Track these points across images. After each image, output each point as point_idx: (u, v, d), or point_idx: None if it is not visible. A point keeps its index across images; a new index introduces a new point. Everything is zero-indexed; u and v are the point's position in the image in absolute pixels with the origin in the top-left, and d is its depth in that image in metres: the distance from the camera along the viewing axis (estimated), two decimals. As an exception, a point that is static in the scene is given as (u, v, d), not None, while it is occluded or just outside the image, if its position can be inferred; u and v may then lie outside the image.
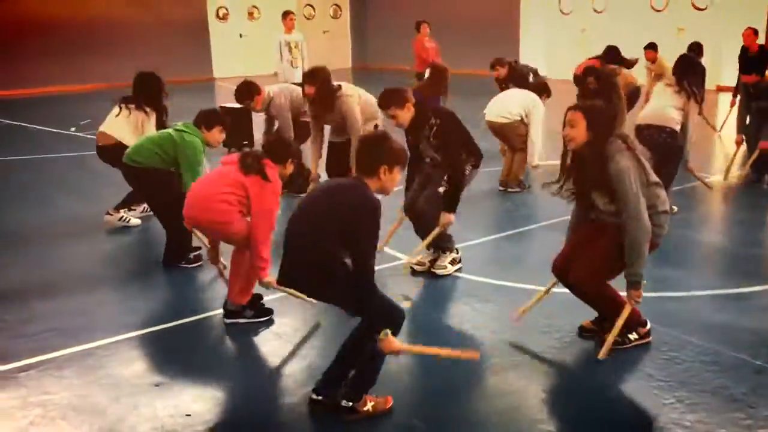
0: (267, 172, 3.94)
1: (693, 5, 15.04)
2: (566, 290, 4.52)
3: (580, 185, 3.78)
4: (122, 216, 6.35)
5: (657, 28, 14.83)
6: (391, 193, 3.22)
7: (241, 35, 21.17)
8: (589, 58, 8.83)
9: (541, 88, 7.43)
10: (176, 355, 3.96)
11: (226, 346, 4.10)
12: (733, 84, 9.46)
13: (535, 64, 11.90)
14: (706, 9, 14.84)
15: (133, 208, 6.53)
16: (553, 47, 17.61)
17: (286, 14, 10.73)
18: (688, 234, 5.70)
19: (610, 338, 3.66)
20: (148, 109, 5.93)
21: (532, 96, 7.13)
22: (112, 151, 5.86)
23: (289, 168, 4.10)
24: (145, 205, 6.55)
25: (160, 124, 5.97)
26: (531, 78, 8.30)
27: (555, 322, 4.10)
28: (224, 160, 4.17)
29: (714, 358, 3.65)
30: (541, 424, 3.16)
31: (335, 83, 5.98)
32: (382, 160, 3.09)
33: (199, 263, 5.28)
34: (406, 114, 4.73)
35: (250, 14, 21.28)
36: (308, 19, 22.00)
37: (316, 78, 5.92)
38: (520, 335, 3.96)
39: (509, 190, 7.23)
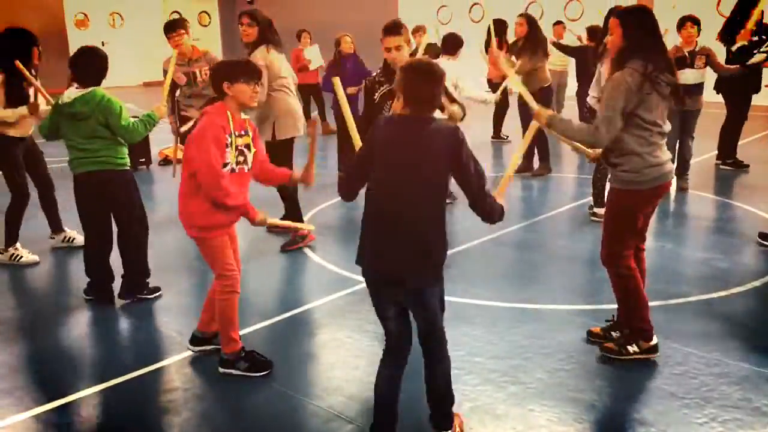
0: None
1: (566, 17, 15.68)
2: (557, 306, 4.48)
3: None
4: (66, 236, 5.78)
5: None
6: None
7: (103, 43, 19.84)
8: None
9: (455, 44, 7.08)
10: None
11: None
12: None
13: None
14: (579, 20, 15.52)
15: (52, 236, 5.84)
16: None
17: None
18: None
19: None
20: None
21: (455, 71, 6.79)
22: None
23: (239, 89, 3.44)
24: (67, 234, 5.81)
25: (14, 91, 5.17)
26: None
27: (553, 342, 3.97)
28: None
29: (722, 369, 3.63)
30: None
31: None
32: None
33: (160, 293, 4.76)
34: (406, 53, 4.48)
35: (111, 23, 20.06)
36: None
37: (258, 18, 5.45)
38: (525, 359, 3.78)
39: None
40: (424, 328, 2.87)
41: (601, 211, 6.45)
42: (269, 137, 5.50)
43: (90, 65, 4.39)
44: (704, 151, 8.86)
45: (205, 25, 22.14)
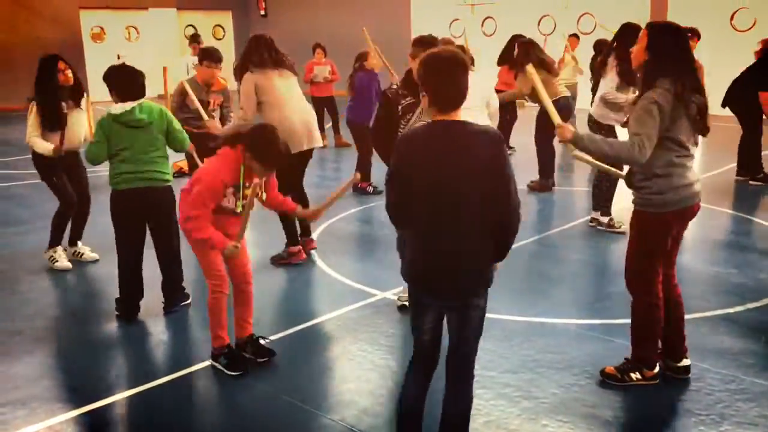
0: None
1: (579, 30, 15.67)
2: (570, 320, 4.45)
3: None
4: (77, 251, 5.85)
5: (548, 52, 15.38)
6: None
7: (119, 56, 20.03)
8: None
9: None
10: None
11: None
12: None
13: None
14: (591, 33, 15.50)
15: (64, 248, 5.90)
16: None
17: (195, 37, 10.18)
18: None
19: None
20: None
21: (488, 84, 6.75)
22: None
23: None
24: (77, 249, 5.88)
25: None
26: None
27: (566, 357, 3.95)
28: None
29: (738, 385, 3.60)
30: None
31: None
32: None
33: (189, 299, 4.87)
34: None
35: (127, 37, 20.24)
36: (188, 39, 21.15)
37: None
38: (538, 373, 3.77)
39: None
40: (457, 344, 2.72)
41: (598, 215, 6.46)
42: None
43: (134, 81, 4.49)
44: (720, 165, 8.82)
45: (220, 39, 22.29)
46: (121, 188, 4.47)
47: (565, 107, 7.90)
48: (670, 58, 3.27)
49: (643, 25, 3.55)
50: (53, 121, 5.35)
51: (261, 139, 3.63)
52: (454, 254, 2.59)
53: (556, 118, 3.45)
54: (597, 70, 8.60)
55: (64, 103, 5.42)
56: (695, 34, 7.28)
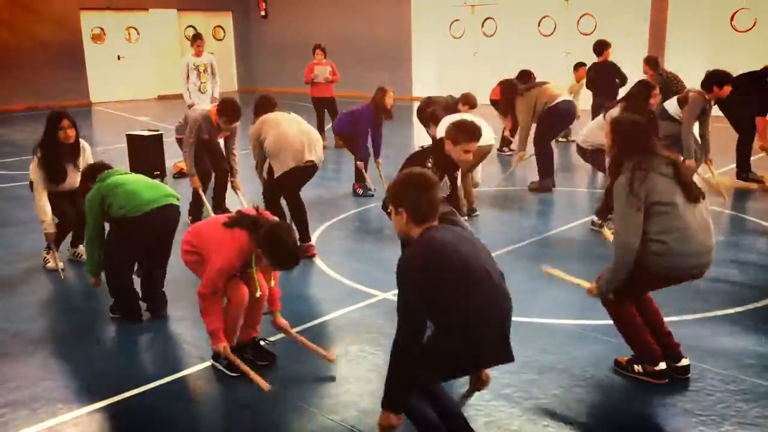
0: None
1: (579, 31, 15.69)
2: (570, 320, 4.46)
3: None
4: (77, 252, 5.89)
5: (545, 52, 15.41)
6: None
7: (119, 57, 20.04)
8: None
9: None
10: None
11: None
12: None
13: (429, 86, 12.20)
14: (592, 34, 15.53)
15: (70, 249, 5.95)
16: (446, 70, 17.85)
17: (196, 38, 10.14)
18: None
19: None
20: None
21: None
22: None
23: None
24: (78, 251, 5.90)
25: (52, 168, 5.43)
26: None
27: (567, 357, 3.95)
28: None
29: (738, 386, 3.60)
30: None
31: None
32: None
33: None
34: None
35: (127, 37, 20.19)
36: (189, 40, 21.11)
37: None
38: (539, 374, 3.77)
39: (471, 216, 6.81)
40: None
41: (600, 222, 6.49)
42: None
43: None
44: (720, 166, 8.81)
45: (220, 39, 22.29)
46: (135, 215, 4.40)
47: (567, 111, 7.90)
48: (630, 146, 3.55)
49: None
50: (53, 176, 5.45)
51: (273, 241, 3.58)
52: (508, 318, 2.90)
53: (584, 284, 3.88)
54: (593, 81, 8.57)
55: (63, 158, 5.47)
56: (729, 82, 7.16)
